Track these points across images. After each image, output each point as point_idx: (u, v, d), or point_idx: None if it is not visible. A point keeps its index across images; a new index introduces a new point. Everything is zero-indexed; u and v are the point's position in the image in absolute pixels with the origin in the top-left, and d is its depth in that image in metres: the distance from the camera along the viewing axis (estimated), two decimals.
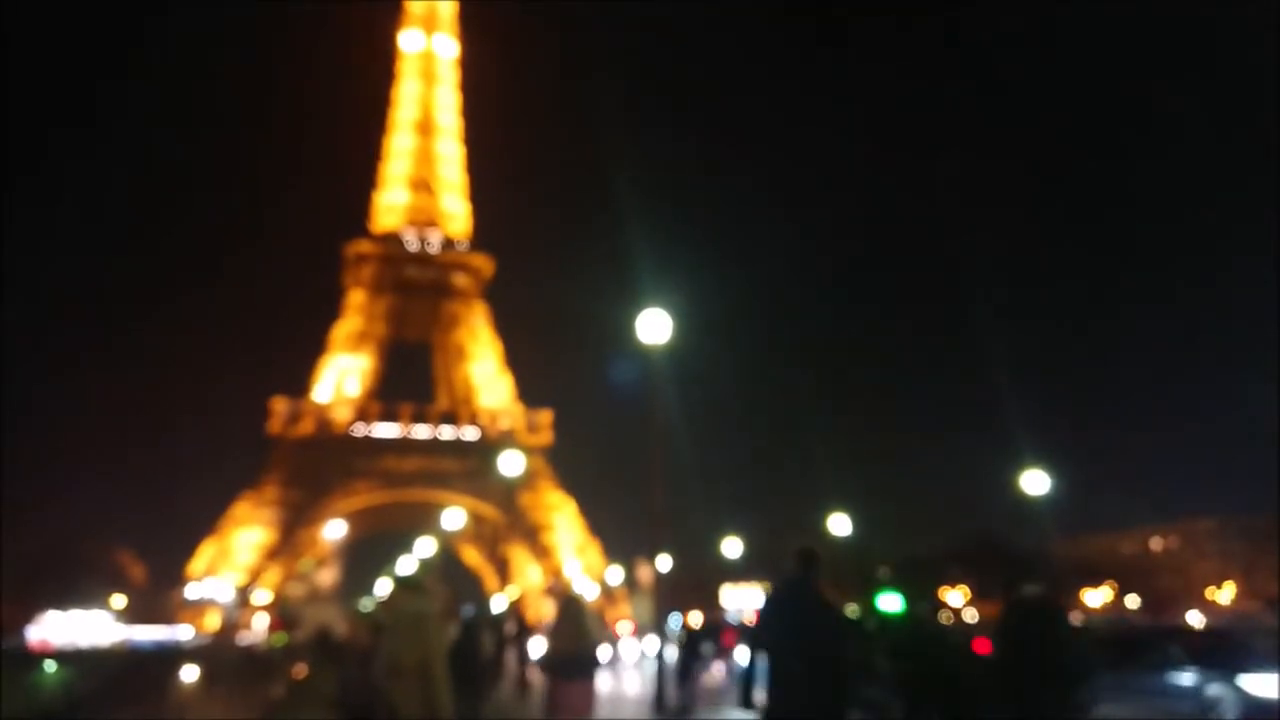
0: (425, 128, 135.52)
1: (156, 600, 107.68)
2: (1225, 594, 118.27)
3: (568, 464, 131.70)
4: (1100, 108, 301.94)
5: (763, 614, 7.18)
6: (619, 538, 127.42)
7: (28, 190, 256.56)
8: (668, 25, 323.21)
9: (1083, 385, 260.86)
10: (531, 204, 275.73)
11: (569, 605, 9.98)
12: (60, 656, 68.38)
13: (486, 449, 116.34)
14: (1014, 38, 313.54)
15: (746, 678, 7.39)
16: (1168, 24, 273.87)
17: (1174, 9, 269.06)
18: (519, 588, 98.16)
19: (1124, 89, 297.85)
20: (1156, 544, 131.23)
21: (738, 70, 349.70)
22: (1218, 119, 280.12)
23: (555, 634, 9.82)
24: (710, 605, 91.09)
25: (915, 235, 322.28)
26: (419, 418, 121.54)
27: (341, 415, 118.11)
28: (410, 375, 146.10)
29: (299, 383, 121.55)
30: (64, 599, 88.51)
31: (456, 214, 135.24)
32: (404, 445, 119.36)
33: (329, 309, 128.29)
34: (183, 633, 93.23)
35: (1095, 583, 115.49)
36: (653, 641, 36.99)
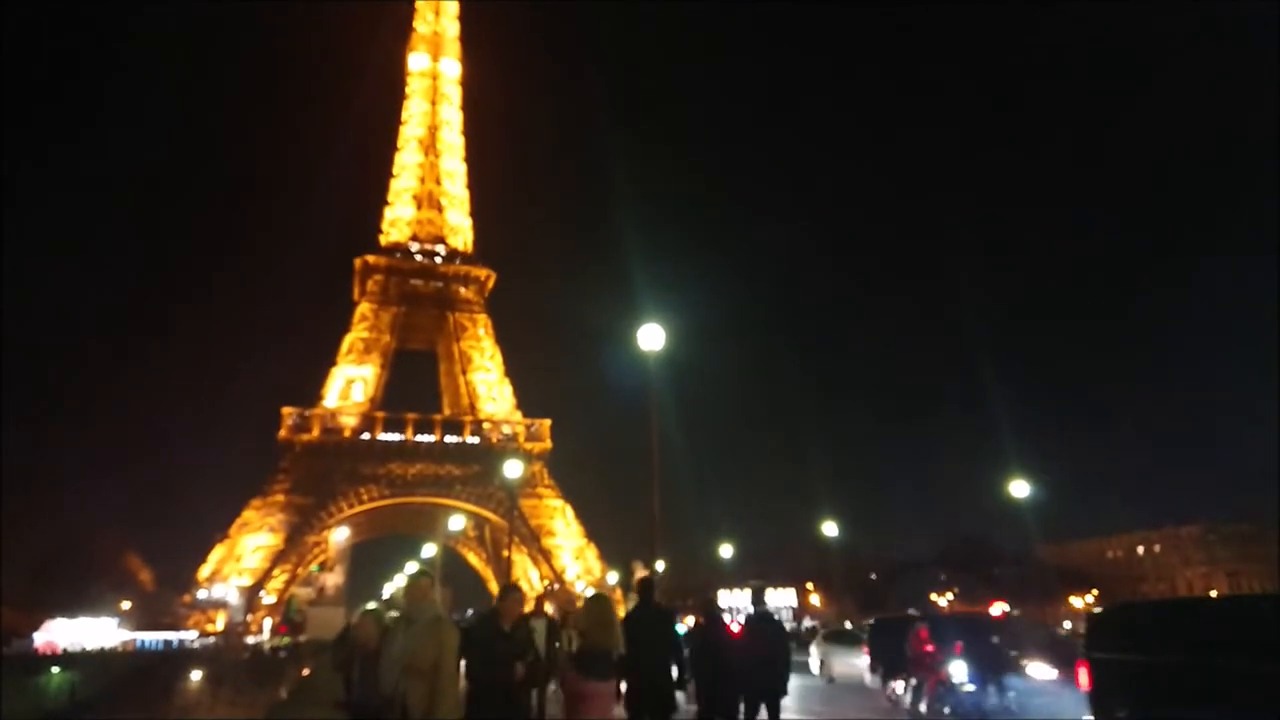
0: (431, 145, 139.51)
1: (164, 604, 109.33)
2: None
3: (566, 471, 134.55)
4: (1096, 107, 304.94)
5: (624, 626, 9.61)
6: (615, 542, 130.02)
7: (43, 202, 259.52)
8: (665, 43, 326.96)
9: (1070, 395, 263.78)
10: (531, 218, 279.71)
11: (598, 602, 9.22)
12: (66, 659, 70.00)
13: (488, 455, 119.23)
14: (1014, 42, 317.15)
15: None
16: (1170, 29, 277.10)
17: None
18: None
19: (1125, 91, 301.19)
20: (1142, 550, 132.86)
21: (734, 84, 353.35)
22: (1214, 118, 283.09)
23: (586, 631, 9.16)
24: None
25: (909, 247, 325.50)
26: (423, 425, 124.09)
27: (348, 422, 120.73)
28: (415, 384, 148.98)
29: (308, 391, 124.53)
30: (73, 605, 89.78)
31: (460, 228, 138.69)
32: (408, 451, 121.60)
33: (340, 319, 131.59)
34: (190, 636, 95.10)
35: (1081, 589, 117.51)
36: None
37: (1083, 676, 12.69)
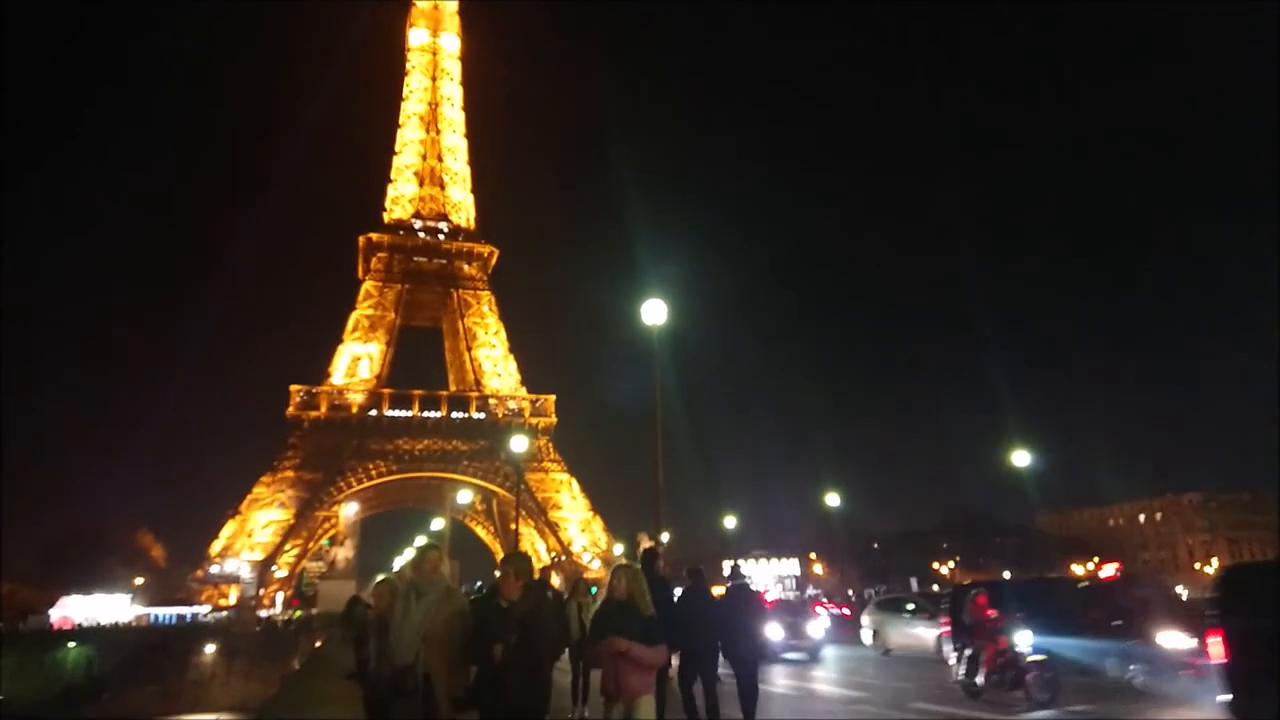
0: (432, 121, 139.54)
1: (177, 579, 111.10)
2: (1213, 569, 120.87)
3: (571, 445, 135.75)
4: (1091, 93, 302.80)
5: None
6: (621, 514, 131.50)
7: (59, 188, 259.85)
8: (663, 12, 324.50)
9: (1071, 364, 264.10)
10: (533, 194, 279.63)
11: (634, 568, 7.42)
12: (82, 634, 70.90)
13: (494, 430, 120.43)
14: (1010, 37, 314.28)
15: None
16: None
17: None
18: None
19: (1115, 77, 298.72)
20: (1143, 518, 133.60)
21: (733, 59, 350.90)
22: (1208, 101, 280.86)
23: (632, 596, 7.76)
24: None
25: (909, 218, 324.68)
26: (429, 401, 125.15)
27: (355, 399, 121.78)
28: (421, 360, 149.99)
29: (316, 369, 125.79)
30: (87, 582, 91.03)
31: (463, 204, 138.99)
32: (415, 427, 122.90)
33: (346, 297, 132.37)
34: (203, 610, 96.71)
35: (1082, 557, 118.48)
36: None
37: (1214, 647, 10.50)
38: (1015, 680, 14.79)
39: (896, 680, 19.20)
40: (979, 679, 15.35)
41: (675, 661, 11.98)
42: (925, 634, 23.41)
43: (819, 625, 26.24)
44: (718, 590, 14.35)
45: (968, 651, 15.88)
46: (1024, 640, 14.87)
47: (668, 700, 11.45)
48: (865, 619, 28.30)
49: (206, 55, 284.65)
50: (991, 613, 15.88)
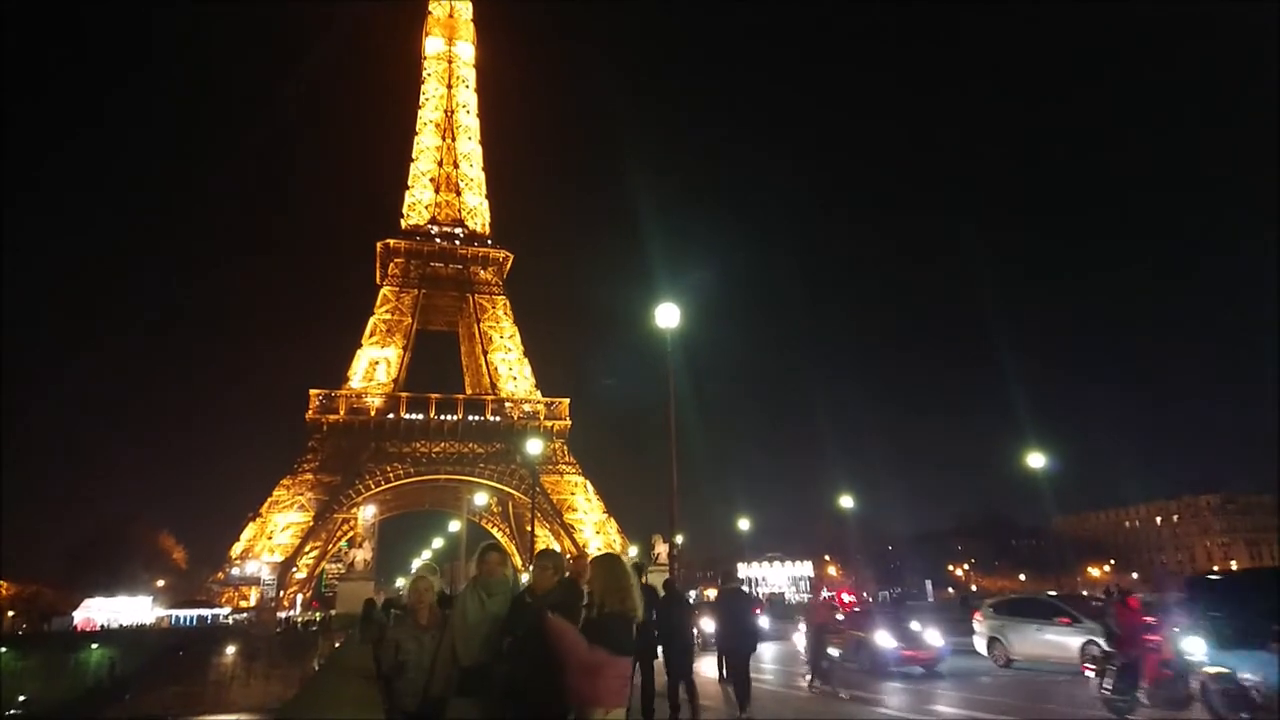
0: (447, 128, 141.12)
1: (198, 581, 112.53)
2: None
3: (586, 448, 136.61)
4: (1105, 96, 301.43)
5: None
6: (636, 517, 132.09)
7: (83, 200, 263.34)
8: (673, 15, 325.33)
9: (1087, 367, 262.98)
10: (547, 199, 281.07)
11: (610, 561, 6.59)
12: (104, 636, 71.89)
13: (510, 433, 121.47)
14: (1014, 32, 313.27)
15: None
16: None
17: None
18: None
19: (1128, 84, 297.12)
20: (1160, 520, 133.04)
21: (743, 60, 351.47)
22: (1208, 100, 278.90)
23: (601, 596, 7.06)
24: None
25: (925, 223, 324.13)
26: (446, 404, 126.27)
27: (373, 402, 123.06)
28: (437, 364, 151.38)
29: (334, 373, 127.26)
30: (110, 585, 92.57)
31: (478, 210, 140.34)
32: (432, 430, 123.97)
33: (364, 303, 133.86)
34: (224, 612, 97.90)
35: (1099, 560, 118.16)
36: None
37: None
38: (1185, 698, 12.79)
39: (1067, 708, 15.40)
40: (1139, 694, 13.30)
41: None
42: (1067, 641, 20.69)
43: (938, 632, 23.01)
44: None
45: (1114, 663, 13.65)
46: (1195, 648, 12.78)
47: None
48: (979, 625, 24.87)
49: (217, 50, 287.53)
50: (1151, 618, 14.08)
